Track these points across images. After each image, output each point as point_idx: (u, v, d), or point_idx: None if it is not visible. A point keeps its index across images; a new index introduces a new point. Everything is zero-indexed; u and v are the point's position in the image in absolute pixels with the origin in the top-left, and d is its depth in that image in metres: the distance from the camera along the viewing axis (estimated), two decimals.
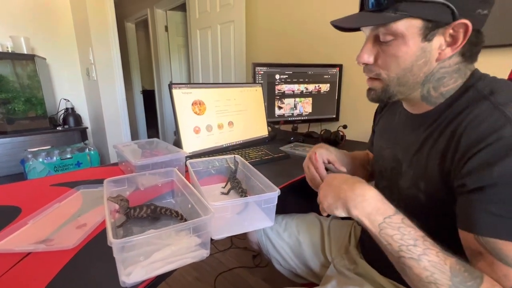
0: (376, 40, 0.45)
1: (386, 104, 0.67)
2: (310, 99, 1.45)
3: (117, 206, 0.55)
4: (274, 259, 0.81)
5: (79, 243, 0.48)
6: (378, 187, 0.61)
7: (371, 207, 0.41)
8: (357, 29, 0.49)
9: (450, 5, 0.37)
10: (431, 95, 0.46)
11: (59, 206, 0.63)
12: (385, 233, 0.39)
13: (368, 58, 0.46)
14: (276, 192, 0.55)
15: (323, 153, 0.64)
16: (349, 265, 0.66)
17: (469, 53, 0.42)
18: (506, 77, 0.65)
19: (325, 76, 1.44)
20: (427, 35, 0.40)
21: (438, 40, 0.41)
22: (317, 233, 0.79)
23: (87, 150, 1.96)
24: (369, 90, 0.50)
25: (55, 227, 0.54)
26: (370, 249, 0.64)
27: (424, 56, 0.42)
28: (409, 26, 0.40)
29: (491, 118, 0.37)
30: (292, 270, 0.80)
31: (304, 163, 0.65)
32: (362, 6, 0.45)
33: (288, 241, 0.79)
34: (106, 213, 0.45)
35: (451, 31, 0.40)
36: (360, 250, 0.69)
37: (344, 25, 0.46)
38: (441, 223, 0.44)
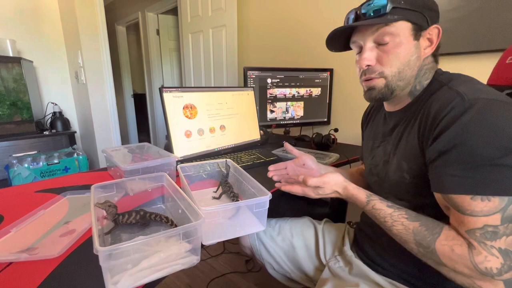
0: (375, 44, 0.53)
1: (371, 111, 0.73)
2: (302, 102, 1.47)
3: (105, 213, 0.53)
4: (268, 264, 0.81)
5: (64, 251, 0.47)
6: (369, 182, 0.66)
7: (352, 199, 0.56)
8: (347, 49, 0.60)
9: (425, 15, 0.50)
10: (416, 89, 0.54)
11: (44, 213, 0.61)
12: (372, 211, 0.53)
13: (370, 60, 0.53)
14: (268, 196, 0.55)
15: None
16: (344, 266, 0.67)
17: (436, 55, 0.54)
18: (485, 80, 0.68)
19: (316, 80, 1.46)
20: (415, 35, 0.50)
21: (422, 41, 0.51)
22: (311, 236, 0.79)
23: (75, 155, 1.91)
24: (370, 90, 0.56)
25: (39, 235, 0.52)
26: (365, 249, 0.65)
27: (416, 52, 0.51)
28: (403, 28, 0.50)
29: (447, 95, 0.46)
30: (286, 275, 0.79)
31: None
32: (357, 18, 0.54)
33: (282, 245, 0.79)
34: (92, 220, 0.43)
35: (428, 34, 0.51)
36: (355, 250, 0.69)
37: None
38: (426, 197, 0.50)
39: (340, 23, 0.56)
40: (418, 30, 0.50)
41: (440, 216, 0.46)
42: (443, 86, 0.49)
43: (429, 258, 0.45)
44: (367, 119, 0.74)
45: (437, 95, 0.48)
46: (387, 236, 0.52)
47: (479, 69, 1.11)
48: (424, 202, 0.50)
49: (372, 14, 0.51)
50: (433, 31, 0.51)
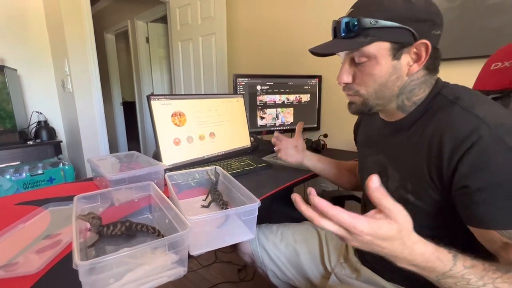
0: (352, 61, 0.50)
1: (363, 117, 0.72)
2: (292, 109, 1.48)
3: (88, 225, 0.51)
4: (270, 271, 0.78)
5: (43, 267, 0.44)
6: (365, 193, 0.63)
7: (426, 262, 0.36)
8: (333, 54, 0.54)
9: (411, 29, 0.44)
10: (405, 105, 0.51)
11: (24, 227, 0.58)
12: (445, 282, 0.36)
13: (347, 78, 0.51)
14: (257, 203, 0.54)
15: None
16: (351, 274, 0.66)
17: (432, 66, 0.49)
18: (471, 85, 0.70)
19: (305, 87, 1.48)
20: (395, 55, 0.46)
21: (406, 58, 0.47)
22: (315, 243, 0.77)
23: (60, 165, 1.85)
24: (350, 103, 0.55)
25: (17, 250, 0.50)
26: (369, 256, 0.64)
27: (396, 72, 0.48)
28: (379, 48, 0.46)
29: (465, 120, 0.41)
30: (290, 282, 0.77)
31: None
32: (335, 34, 0.50)
33: (285, 252, 0.77)
34: (73, 232, 0.41)
35: (414, 50, 0.46)
36: (358, 256, 0.68)
37: (322, 51, 0.51)
38: (432, 218, 0.47)
39: (328, 29, 0.56)
40: (399, 49, 0.46)
41: (447, 238, 0.42)
42: (451, 104, 0.45)
43: None
44: (360, 123, 0.73)
45: (450, 116, 0.43)
46: None
47: (462, 75, 1.16)
48: (427, 223, 0.47)
49: (344, 33, 0.48)
50: (420, 47, 0.46)
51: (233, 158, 1.05)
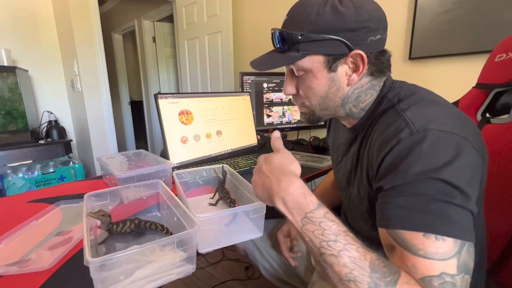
0: (293, 73, 0.49)
1: (331, 120, 0.71)
2: None
3: (98, 222, 0.52)
4: (260, 265, 0.80)
5: (55, 263, 0.45)
6: (341, 197, 0.64)
7: (294, 202, 0.39)
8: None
9: (343, 40, 0.42)
10: (353, 112, 0.50)
11: (36, 224, 0.59)
12: (306, 229, 0.37)
13: (291, 89, 0.50)
14: None
15: None
16: None
17: (377, 72, 0.46)
18: (475, 80, 0.67)
19: None
20: (331, 67, 0.45)
21: (343, 69, 0.45)
22: None
23: (71, 164, 1.88)
24: (301, 113, 0.55)
25: (30, 247, 0.51)
26: None
27: (334, 84, 0.46)
28: (313, 62, 0.45)
29: (394, 124, 0.40)
30: (279, 276, 0.79)
31: None
32: (273, 44, 0.48)
33: (274, 247, 0.78)
34: (84, 230, 0.42)
35: (351, 59, 0.44)
36: None
37: (255, 68, 0.50)
38: None
39: None
40: (334, 61, 0.44)
41: None
42: (392, 107, 0.44)
43: None
44: (329, 128, 0.72)
45: (385, 120, 0.43)
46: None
47: (471, 70, 1.12)
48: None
49: (278, 46, 0.46)
50: (356, 57, 0.44)
51: (240, 156, 1.05)
